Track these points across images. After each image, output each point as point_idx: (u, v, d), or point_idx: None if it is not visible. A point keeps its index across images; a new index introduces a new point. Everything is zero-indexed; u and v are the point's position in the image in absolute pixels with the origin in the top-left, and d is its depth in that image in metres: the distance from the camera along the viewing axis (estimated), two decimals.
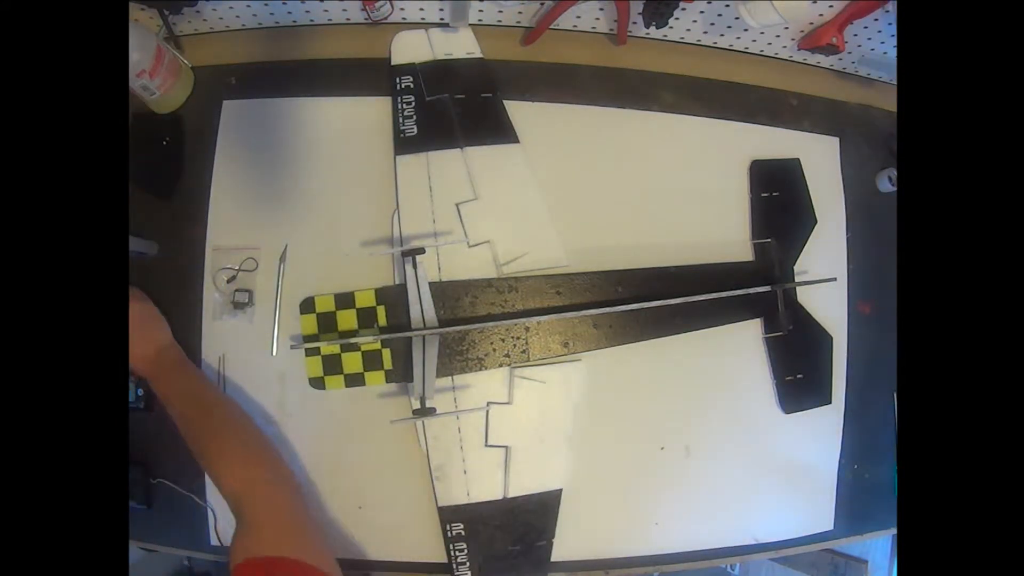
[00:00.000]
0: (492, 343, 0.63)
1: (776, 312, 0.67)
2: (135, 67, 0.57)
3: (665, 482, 0.66)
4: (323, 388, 0.62)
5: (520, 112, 0.67)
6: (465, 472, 0.62)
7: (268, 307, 0.62)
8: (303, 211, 0.63)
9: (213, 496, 0.60)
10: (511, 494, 0.62)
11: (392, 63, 0.66)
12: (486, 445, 0.62)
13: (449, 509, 0.62)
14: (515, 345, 0.63)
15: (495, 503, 0.62)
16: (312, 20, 0.67)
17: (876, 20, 0.68)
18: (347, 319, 0.62)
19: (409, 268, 0.60)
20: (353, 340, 0.60)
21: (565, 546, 0.63)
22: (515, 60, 0.70)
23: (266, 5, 0.64)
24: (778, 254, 0.69)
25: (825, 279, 0.69)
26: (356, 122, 0.65)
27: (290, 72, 0.67)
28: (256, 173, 0.64)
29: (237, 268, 0.62)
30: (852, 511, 0.69)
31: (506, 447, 0.62)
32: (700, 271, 0.67)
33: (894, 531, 0.74)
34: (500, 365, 0.63)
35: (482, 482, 0.62)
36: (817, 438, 0.69)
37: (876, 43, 0.71)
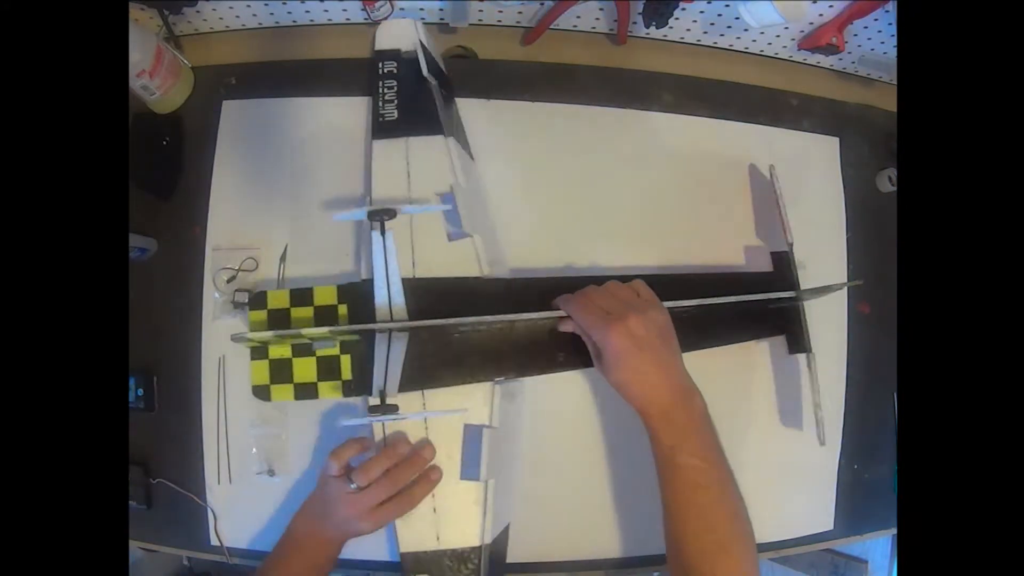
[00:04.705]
0: (474, 351, 0.56)
1: (799, 327, 0.62)
2: (135, 67, 0.57)
3: None
4: (268, 399, 0.54)
5: (520, 112, 0.67)
6: (435, 510, 0.53)
7: None
8: (303, 211, 0.63)
9: (213, 496, 0.60)
10: (490, 539, 0.53)
11: (375, 48, 0.64)
12: (462, 477, 0.54)
13: (412, 557, 0.53)
14: (501, 354, 0.56)
15: (472, 551, 0.53)
16: (312, 20, 0.67)
17: (876, 20, 0.68)
18: (303, 318, 0.55)
19: (376, 237, 0.52)
20: (288, 333, 0.52)
21: (565, 546, 0.63)
22: (515, 60, 0.70)
23: (266, 5, 0.64)
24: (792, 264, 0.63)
25: (852, 283, 0.66)
26: (356, 122, 0.65)
27: (290, 72, 0.67)
28: (256, 173, 0.64)
29: (237, 268, 0.62)
30: (852, 511, 0.69)
31: (486, 481, 0.53)
32: (709, 280, 0.62)
33: (894, 531, 0.74)
34: (483, 379, 0.55)
35: (456, 524, 0.53)
36: (817, 438, 0.69)
37: (876, 43, 0.71)
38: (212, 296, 0.62)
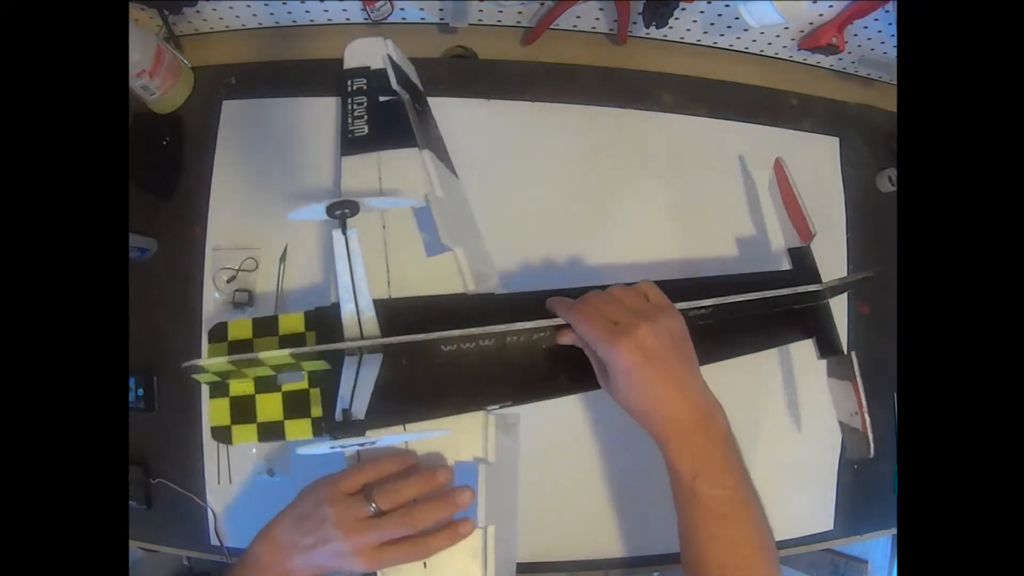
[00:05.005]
0: (461, 376, 0.49)
1: (830, 327, 0.57)
2: (135, 67, 0.57)
3: (665, 482, 0.66)
4: (229, 442, 0.48)
5: (520, 112, 0.67)
6: (425, 565, 0.46)
7: (268, 307, 0.62)
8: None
9: (213, 496, 0.60)
10: None
11: (344, 67, 0.63)
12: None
13: None
14: (493, 378, 0.50)
15: None
16: (312, 20, 0.67)
17: (876, 20, 0.68)
18: (268, 349, 0.48)
19: (337, 237, 0.45)
20: (244, 357, 0.45)
21: (564, 546, 0.63)
22: (515, 60, 0.70)
23: (266, 5, 0.64)
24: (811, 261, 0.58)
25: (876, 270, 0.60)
26: None
27: (290, 72, 0.67)
28: (256, 173, 0.64)
29: (237, 268, 0.62)
30: (852, 511, 0.69)
31: (484, 528, 0.46)
32: (724, 283, 0.55)
33: (894, 531, 0.74)
34: (474, 407, 0.48)
35: None
36: (817, 438, 0.69)
37: (876, 43, 0.71)
38: (212, 296, 0.62)
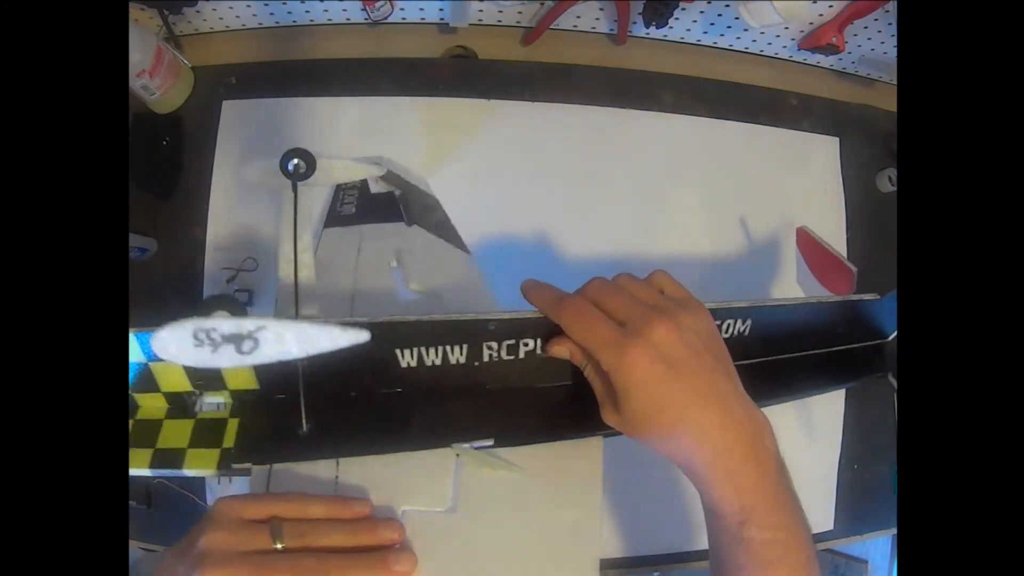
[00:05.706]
0: (424, 400, 0.38)
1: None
2: (135, 67, 0.57)
3: (665, 482, 0.66)
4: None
5: (520, 112, 0.67)
6: None
7: (268, 307, 0.62)
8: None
9: (213, 496, 0.60)
10: None
11: (336, 184, 0.60)
12: None
13: None
14: (468, 405, 0.38)
15: None
16: (312, 20, 0.67)
17: (876, 20, 0.68)
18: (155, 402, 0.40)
19: (287, 197, 0.37)
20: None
21: None
22: (515, 60, 0.70)
23: (266, 5, 0.64)
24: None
25: None
26: (356, 122, 0.65)
27: (290, 72, 0.67)
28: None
29: (237, 268, 0.62)
30: (852, 511, 0.69)
31: None
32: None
33: (894, 531, 0.74)
34: (439, 443, 0.36)
35: None
36: (817, 438, 0.69)
37: (876, 43, 0.71)
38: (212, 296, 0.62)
